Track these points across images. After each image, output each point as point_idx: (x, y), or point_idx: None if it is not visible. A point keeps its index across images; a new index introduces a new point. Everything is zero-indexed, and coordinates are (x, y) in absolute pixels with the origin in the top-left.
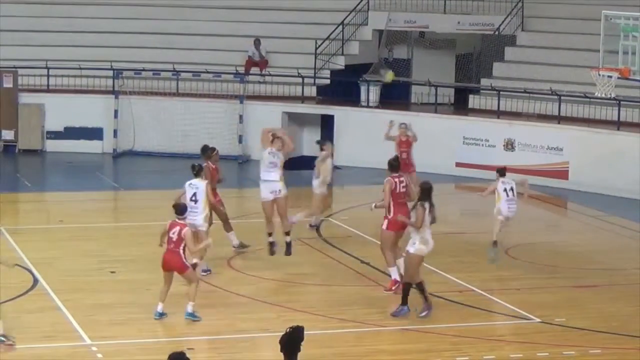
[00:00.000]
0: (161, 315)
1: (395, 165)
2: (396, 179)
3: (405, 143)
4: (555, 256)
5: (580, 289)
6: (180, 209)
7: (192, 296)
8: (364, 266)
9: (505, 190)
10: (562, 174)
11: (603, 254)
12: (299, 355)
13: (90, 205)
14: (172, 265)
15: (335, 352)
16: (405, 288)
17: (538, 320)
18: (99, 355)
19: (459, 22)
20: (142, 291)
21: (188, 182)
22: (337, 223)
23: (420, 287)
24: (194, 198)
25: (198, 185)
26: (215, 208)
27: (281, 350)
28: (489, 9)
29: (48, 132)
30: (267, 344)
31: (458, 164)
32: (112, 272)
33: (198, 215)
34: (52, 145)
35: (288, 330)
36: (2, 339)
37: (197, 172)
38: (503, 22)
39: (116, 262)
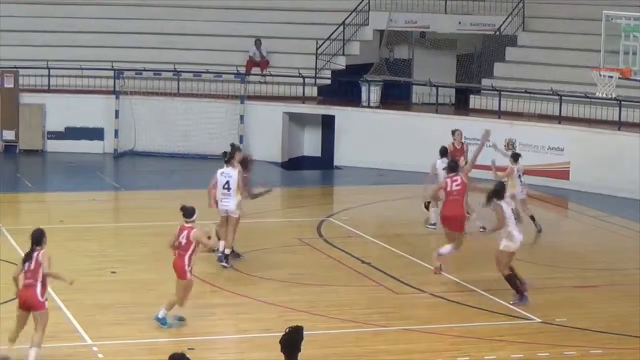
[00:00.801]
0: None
1: (452, 166)
2: (448, 179)
3: (460, 150)
4: (555, 256)
5: (581, 289)
6: (188, 212)
7: (171, 304)
8: (365, 266)
9: (519, 176)
10: (563, 174)
11: (603, 254)
12: (300, 355)
13: (91, 206)
14: (176, 269)
15: (336, 353)
16: (508, 280)
17: (539, 320)
18: (100, 356)
19: (460, 23)
20: (143, 291)
21: (220, 171)
22: (338, 223)
23: (508, 279)
24: (226, 186)
25: (231, 174)
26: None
27: (282, 351)
28: (490, 9)
29: (49, 132)
30: (267, 344)
31: None
32: (112, 272)
33: (230, 201)
34: (52, 146)
35: (287, 330)
36: None
37: (228, 159)
38: (504, 22)
39: (117, 262)
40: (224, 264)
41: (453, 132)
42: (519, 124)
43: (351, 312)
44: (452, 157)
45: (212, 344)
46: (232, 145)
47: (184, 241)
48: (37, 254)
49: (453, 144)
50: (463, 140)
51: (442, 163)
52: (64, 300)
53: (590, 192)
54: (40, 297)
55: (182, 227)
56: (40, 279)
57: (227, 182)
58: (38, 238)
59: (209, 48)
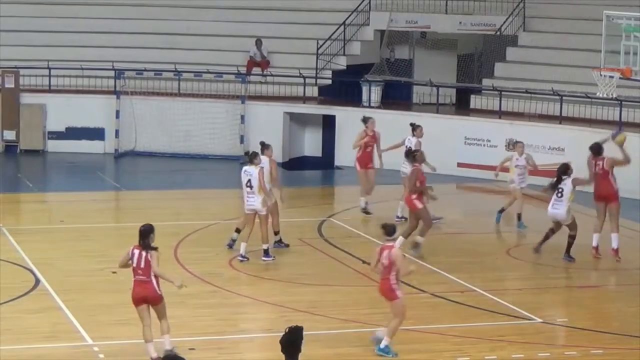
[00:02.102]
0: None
1: (597, 149)
2: (594, 160)
3: (373, 138)
4: (556, 256)
5: (582, 289)
6: (389, 230)
7: (393, 331)
8: (366, 266)
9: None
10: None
11: (604, 254)
12: (300, 355)
13: (92, 206)
14: (384, 292)
15: (337, 353)
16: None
17: (540, 320)
18: (101, 356)
19: (460, 23)
20: None
21: (243, 169)
22: (338, 223)
23: (547, 232)
24: (249, 184)
25: (251, 172)
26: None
27: (282, 351)
28: (491, 9)
29: (49, 133)
30: (268, 344)
31: (460, 164)
32: (113, 272)
33: (255, 199)
34: (53, 146)
35: (288, 330)
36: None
37: (250, 159)
38: (505, 22)
39: (117, 262)
40: (265, 258)
41: (365, 120)
42: (520, 124)
43: (352, 312)
44: (365, 146)
45: (212, 344)
46: (262, 144)
47: (386, 262)
48: (148, 254)
49: (365, 131)
50: (375, 129)
51: (408, 141)
52: (64, 300)
53: (591, 192)
54: (158, 291)
55: (384, 246)
56: (153, 274)
57: (249, 180)
58: (146, 234)
59: (210, 48)
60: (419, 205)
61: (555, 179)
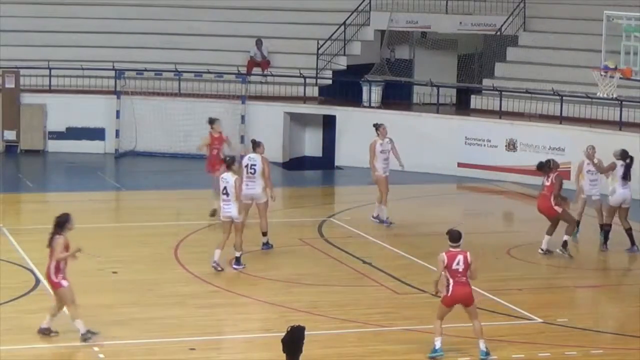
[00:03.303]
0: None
1: None
2: None
3: (218, 140)
4: (557, 256)
5: (582, 289)
6: (454, 236)
7: (482, 332)
8: (366, 266)
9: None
10: (564, 175)
11: (604, 254)
12: (301, 355)
13: (92, 206)
14: (466, 296)
15: (337, 353)
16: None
17: (540, 320)
18: (101, 356)
19: (460, 23)
20: (144, 292)
21: (221, 176)
22: (338, 223)
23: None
24: (225, 191)
25: (228, 179)
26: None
27: (283, 351)
28: (491, 9)
29: (50, 133)
30: (268, 344)
31: (460, 164)
32: (113, 272)
33: (232, 207)
34: (54, 146)
35: (289, 329)
36: (89, 335)
37: (228, 165)
38: (505, 22)
39: (118, 262)
40: (236, 267)
41: (212, 122)
42: (520, 124)
43: (352, 312)
44: (211, 148)
45: (212, 344)
46: (253, 141)
47: (461, 267)
48: (52, 239)
49: (210, 133)
50: (221, 130)
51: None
52: None
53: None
54: (54, 278)
55: (452, 252)
56: (54, 260)
57: (225, 188)
58: (58, 223)
59: (210, 48)
60: (559, 209)
61: (623, 162)
